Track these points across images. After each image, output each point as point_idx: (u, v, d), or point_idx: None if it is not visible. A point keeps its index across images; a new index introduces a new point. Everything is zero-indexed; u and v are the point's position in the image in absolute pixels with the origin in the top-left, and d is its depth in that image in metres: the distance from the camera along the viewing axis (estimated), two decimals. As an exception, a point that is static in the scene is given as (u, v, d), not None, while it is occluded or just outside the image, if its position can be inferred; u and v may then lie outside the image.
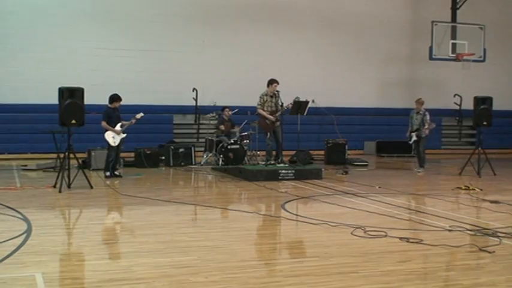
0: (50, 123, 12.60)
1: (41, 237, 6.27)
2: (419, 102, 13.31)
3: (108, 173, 11.61)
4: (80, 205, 8.73)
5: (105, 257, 5.50)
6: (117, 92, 11.79)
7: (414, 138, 13.19)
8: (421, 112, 13.18)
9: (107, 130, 11.53)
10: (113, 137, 11.52)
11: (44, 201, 8.79)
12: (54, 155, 12.68)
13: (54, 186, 9.95)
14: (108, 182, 10.98)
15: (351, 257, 5.59)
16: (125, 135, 11.74)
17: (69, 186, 9.86)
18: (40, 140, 14.56)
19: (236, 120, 14.71)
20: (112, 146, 11.56)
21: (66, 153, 9.94)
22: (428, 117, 13.10)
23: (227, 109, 14.57)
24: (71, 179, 9.93)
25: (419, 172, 13.28)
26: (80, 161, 11.01)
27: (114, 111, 11.69)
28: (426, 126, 13.03)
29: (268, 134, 12.62)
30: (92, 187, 9.99)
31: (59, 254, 5.75)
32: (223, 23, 17.65)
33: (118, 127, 11.60)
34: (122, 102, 11.65)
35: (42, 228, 6.75)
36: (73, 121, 9.93)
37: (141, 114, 11.87)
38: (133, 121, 11.84)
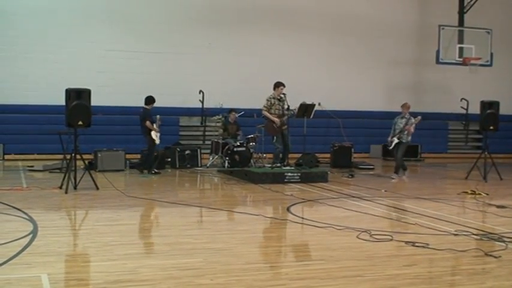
0: (57, 124, 12.65)
1: (46, 238, 6.28)
2: (406, 106, 12.83)
3: (155, 170, 12.72)
4: (86, 206, 8.76)
5: (111, 258, 5.51)
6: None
7: (396, 141, 12.65)
8: (406, 116, 12.74)
9: (150, 130, 12.57)
10: (155, 136, 12.62)
11: (50, 202, 8.81)
12: (61, 156, 12.72)
13: (61, 187, 9.98)
14: (154, 178, 12.25)
15: (356, 261, 5.58)
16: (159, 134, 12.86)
17: (75, 188, 9.88)
18: (46, 141, 14.60)
19: (242, 123, 14.72)
20: (155, 145, 12.70)
21: (73, 155, 9.97)
22: (412, 120, 12.56)
23: (233, 112, 14.57)
24: (77, 180, 9.95)
25: (393, 179, 12.62)
26: (86, 162, 11.05)
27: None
28: (412, 125, 12.47)
29: (275, 137, 12.58)
30: (98, 188, 10.01)
31: (65, 255, 5.76)
32: (229, 26, 17.68)
33: (155, 126, 12.70)
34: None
35: (48, 229, 6.76)
36: (80, 122, 9.95)
37: (158, 116, 12.93)
38: (159, 122, 12.90)
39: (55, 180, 11.01)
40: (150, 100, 12.90)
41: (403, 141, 12.67)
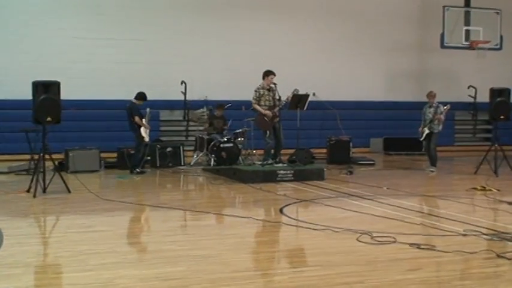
0: (23, 121, 12.55)
1: (13, 247, 6.25)
2: (431, 95, 13.51)
3: (138, 170, 12.75)
4: (57, 211, 8.74)
5: (85, 268, 5.49)
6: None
7: (426, 131, 13.35)
8: (434, 105, 13.36)
9: (140, 126, 12.69)
10: (145, 133, 12.78)
11: (17, 208, 8.76)
12: (28, 156, 12.66)
13: (28, 191, 9.92)
14: (137, 178, 12.31)
15: (356, 266, 5.60)
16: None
17: (44, 191, 9.83)
18: (12, 139, 14.52)
19: (229, 117, 14.71)
20: (145, 142, 12.85)
21: (41, 154, 9.92)
22: (441, 109, 13.22)
23: (220, 108, 14.52)
24: (47, 182, 9.90)
25: (432, 172, 13.38)
26: (56, 162, 10.99)
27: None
28: (441, 114, 13.16)
29: (268, 132, 12.53)
30: (69, 191, 9.98)
31: (34, 266, 5.73)
32: (215, 10, 17.62)
33: (145, 122, 12.81)
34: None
35: (15, 237, 6.72)
36: (48, 118, 9.89)
37: (149, 109, 13.02)
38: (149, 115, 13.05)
39: (22, 183, 10.95)
40: (141, 96, 12.99)
41: (434, 131, 13.36)
